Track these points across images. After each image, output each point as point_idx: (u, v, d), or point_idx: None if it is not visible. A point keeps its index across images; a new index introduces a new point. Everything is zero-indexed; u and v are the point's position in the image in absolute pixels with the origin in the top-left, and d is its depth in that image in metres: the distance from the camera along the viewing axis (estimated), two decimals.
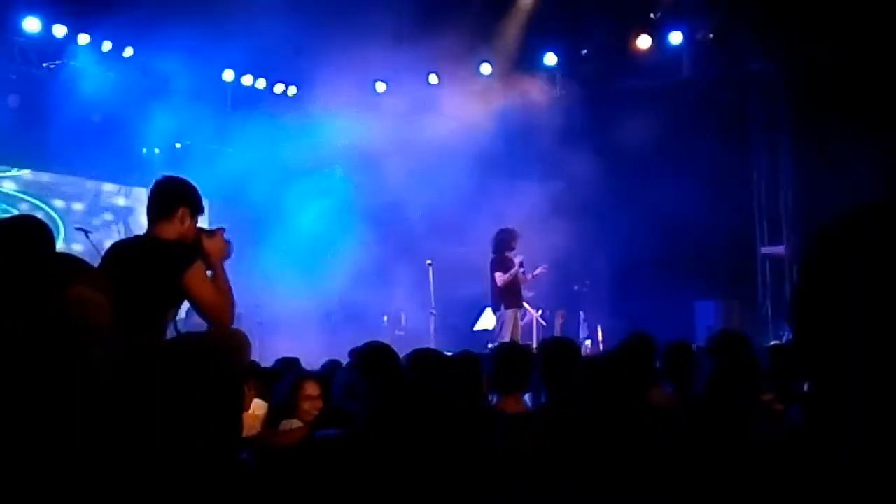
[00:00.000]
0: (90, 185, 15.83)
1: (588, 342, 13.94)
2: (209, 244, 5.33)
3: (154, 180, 5.40)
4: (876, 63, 12.38)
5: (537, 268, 12.69)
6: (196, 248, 5.21)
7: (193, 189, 5.37)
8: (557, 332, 13.15)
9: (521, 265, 12.14)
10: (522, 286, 12.45)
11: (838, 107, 13.07)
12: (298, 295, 14.70)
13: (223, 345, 4.31)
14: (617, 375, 4.73)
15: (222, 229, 5.45)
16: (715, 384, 4.55)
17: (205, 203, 5.33)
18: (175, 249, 5.17)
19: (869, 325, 1.11)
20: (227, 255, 5.35)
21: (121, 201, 16.15)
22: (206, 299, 5.09)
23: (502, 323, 11.89)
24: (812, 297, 1.19)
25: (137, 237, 5.46)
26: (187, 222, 5.25)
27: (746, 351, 5.53)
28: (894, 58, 12.26)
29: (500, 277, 11.94)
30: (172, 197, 5.30)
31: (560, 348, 5.53)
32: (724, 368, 4.60)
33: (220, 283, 5.30)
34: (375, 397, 4.78)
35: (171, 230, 5.21)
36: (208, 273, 5.18)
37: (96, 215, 15.73)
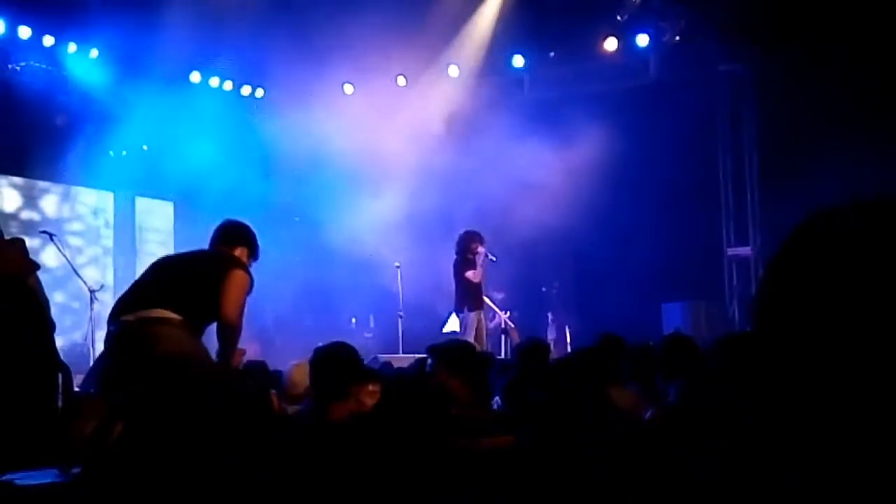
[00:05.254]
0: (57, 188, 15.65)
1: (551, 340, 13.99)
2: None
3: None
4: (844, 63, 12.48)
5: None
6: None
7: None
8: None
9: (486, 257, 12.13)
10: (484, 289, 12.44)
11: (805, 107, 13.17)
12: (265, 299, 14.66)
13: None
14: (580, 373, 4.74)
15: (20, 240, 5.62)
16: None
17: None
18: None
19: (830, 327, 1.11)
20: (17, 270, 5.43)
21: (93, 205, 15.98)
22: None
23: (466, 326, 11.89)
24: (776, 295, 1.19)
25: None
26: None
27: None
28: (863, 58, 12.37)
29: (473, 275, 11.94)
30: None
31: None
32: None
33: None
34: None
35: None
36: None
37: (67, 218, 15.57)
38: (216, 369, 5.59)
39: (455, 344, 6.06)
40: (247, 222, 6.54)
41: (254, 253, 6.38)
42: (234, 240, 6.32)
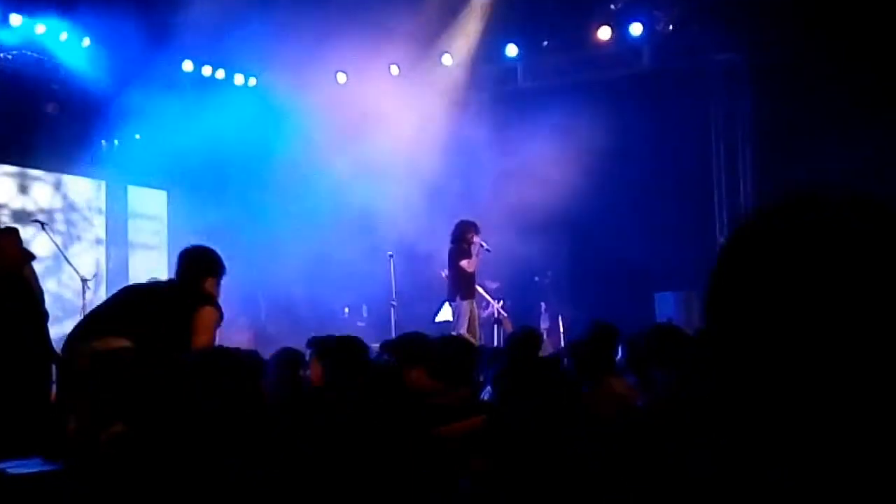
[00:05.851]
0: (49, 177, 15.60)
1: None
2: None
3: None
4: (840, 54, 12.46)
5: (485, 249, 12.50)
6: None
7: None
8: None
9: (481, 247, 12.14)
10: (478, 279, 12.45)
11: (800, 97, 13.16)
12: (258, 287, 14.69)
13: None
14: (574, 364, 4.74)
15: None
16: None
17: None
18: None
19: (771, 321, 1.11)
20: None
21: (85, 193, 15.94)
22: None
23: (459, 314, 11.91)
24: (722, 289, 1.19)
25: None
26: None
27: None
28: (859, 50, 12.35)
29: (468, 264, 11.97)
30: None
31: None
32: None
33: None
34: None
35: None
36: None
37: (59, 207, 15.53)
38: (198, 364, 5.50)
39: (407, 336, 6.04)
40: (210, 247, 6.33)
41: (221, 277, 6.21)
42: (203, 271, 6.14)
